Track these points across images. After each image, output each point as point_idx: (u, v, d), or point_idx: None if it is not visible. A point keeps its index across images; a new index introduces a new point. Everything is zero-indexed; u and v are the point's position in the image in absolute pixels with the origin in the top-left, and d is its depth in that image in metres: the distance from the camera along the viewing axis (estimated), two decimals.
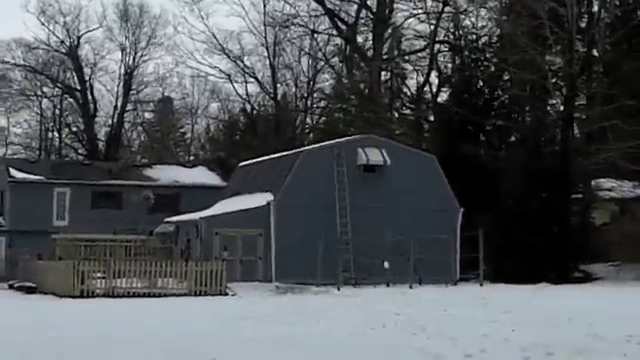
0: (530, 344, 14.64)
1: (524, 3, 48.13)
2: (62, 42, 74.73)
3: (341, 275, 35.62)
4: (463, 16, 57.08)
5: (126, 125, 78.58)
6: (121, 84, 76.07)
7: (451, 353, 13.78)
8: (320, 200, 38.18)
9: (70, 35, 74.71)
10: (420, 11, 60.40)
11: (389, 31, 60.61)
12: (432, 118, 55.31)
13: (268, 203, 38.71)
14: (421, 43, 60.24)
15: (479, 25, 56.39)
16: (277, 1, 64.17)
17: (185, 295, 30.71)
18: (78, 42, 75.02)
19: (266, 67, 68.16)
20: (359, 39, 62.44)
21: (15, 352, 14.69)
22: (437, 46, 58.52)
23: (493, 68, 51.54)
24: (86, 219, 49.20)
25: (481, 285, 36.39)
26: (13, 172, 52.67)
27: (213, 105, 77.44)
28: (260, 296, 31.04)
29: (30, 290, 35.97)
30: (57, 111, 79.56)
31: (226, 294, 31.43)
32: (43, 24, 74.26)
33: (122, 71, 76.17)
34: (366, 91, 57.37)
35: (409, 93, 61.55)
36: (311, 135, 62.72)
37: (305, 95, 69.97)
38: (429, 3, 59.54)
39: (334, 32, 63.12)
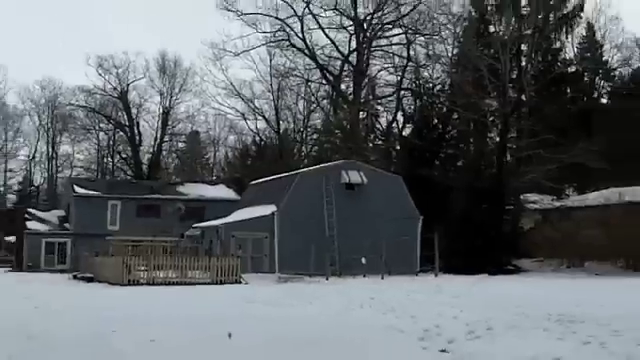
0: (473, 321, 14.66)
1: (468, 59, 48.45)
2: (115, 88, 74.99)
3: (329, 268, 35.62)
4: (422, 69, 57.45)
5: (163, 152, 78.71)
6: (160, 121, 76.54)
7: (413, 328, 13.75)
8: (312, 211, 38.24)
9: (121, 83, 75.00)
10: (389, 65, 60.97)
11: (366, 81, 60.80)
12: (398, 147, 55.37)
13: (272, 213, 38.79)
14: (390, 90, 60.54)
15: (434, 76, 56.74)
16: (280, 57, 64.54)
17: (208, 283, 30.60)
18: (127, 88, 75.29)
19: (271, 108, 68.42)
20: (343, 87, 62.66)
21: (77, 327, 14.73)
22: (402, 92, 58.79)
23: (445, 109, 51.68)
24: (132, 225, 49.29)
25: (436, 276, 36.34)
26: (77, 189, 52.82)
27: (231, 137, 77.59)
28: (266, 284, 30.97)
29: (89, 279, 35.87)
30: (111, 142, 79.82)
31: (240, 282, 31.36)
32: (100, 74, 74.66)
33: (160, 111, 76.72)
34: (348, 127, 57.40)
35: (381, 128, 61.65)
36: (305, 161, 62.67)
37: (301, 130, 70.17)
38: (396, 59, 60.02)
39: (323, 81, 63.31)
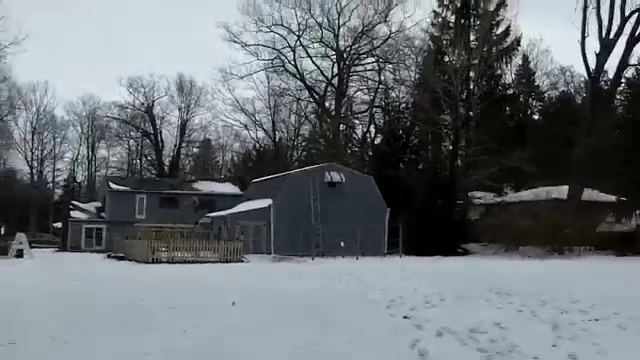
0: (430, 293, 14.71)
1: (427, 83, 48.56)
2: (142, 104, 74.74)
3: (314, 250, 35.58)
4: (390, 91, 57.57)
5: (181, 156, 78.34)
6: (178, 130, 76.07)
7: (382, 299, 13.76)
8: (301, 204, 38.14)
9: (147, 100, 74.75)
10: (364, 87, 61.18)
11: (345, 99, 60.75)
12: (371, 153, 55.40)
13: (269, 206, 38.67)
14: (364, 107, 60.52)
15: (400, 96, 56.94)
16: (276, 80, 64.46)
17: (217, 262, 30.51)
18: (152, 104, 74.93)
19: (269, 121, 68.42)
20: (326, 104, 62.54)
21: (112, 296, 14.72)
22: (374, 109, 58.82)
23: (408, 123, 51.71)
24: (156, 214, 49.19)
25: (400, 257, 36.32)
26: (111, 185, 52.67)
27: (236, 144, 77.24)
28: (263, 263, 30.95)
29: (120, 258, 35.78)
30: (139, 147, 79.66)
31: (242, 261, 31.31)
32: (130, 92, 74.55)
33: (179, 122, 76.35)
34: (330, 136, 57.35)
35: (357, 138, 61.70)
36: (296, 163, 62.58)
37: (293, 138, 70.21)
38: (370, 82, 60.09)
39: (311, 100, 63.18)
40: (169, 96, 75.77)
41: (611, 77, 45.70)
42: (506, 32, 51.78)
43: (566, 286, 16.47)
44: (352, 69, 60.85)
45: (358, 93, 61.78)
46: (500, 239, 40.37)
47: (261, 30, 59.52)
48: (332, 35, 59.66)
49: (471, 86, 49.92)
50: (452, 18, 52.06)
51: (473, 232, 43.30)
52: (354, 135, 62.17)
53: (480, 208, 48.29)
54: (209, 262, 30.22)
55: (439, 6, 52.40)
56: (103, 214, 52.05)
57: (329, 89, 61.61)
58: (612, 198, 41.98)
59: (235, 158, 79.75)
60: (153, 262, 30.07)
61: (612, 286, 17.19)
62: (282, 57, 60.99)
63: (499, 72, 53.96)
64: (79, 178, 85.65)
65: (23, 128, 76.79)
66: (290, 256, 33.85)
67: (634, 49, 43.73)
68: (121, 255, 36.44)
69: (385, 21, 57.84)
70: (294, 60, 60.63)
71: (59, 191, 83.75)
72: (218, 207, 46.08)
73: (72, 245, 49.22)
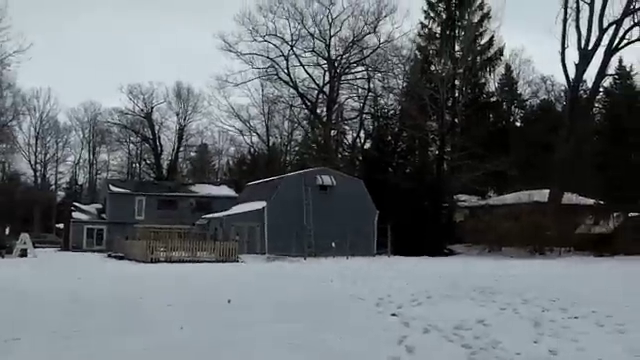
0: (417, 291, 14.68)
1: (415, 91, 48.66)
2: (142, 110, 74.14)
3: (306, 250, 35.59)
4: (379, 98, 57.50)
5: (179, 160, 77.89)
6: (176, 135, 75.58)
7: (370, 297, 13.78)
8: (294, 206, 37.99)
9: (146, 106, 74.15)
10: (354, 95, 60.95)
11: (336, 106, 60.65)
12: (361, 158, 55.39)
13: (263, 207, 38.51)
14: (354, 114, 60.35)
15: (389, 103, 56.74)
16: (270, 88, 64.24)
17: (213, 261, 30.41)
18: (151, 110, 74.40)
19: (263, 126, 68.12)
20: (318, 111, 62.42)
21: (112, 293, 14.67)
22: (364, 116, 58.69)
23: (396, 129, 51.71)
24: (154, 216, 48.99)
25: (389, 257, 36.30)
26: (112, 187, 52.41)
27: (231, 149, 77.00)
28: (258, 262, 30.90)
29: (120, 258, 35.65)
30: (138, 151, 79.11)
31: (237, 261, 31.26)
32: (130, 99, 73.81)
33: (177, 128, 75.77)
34: (322, 142, 57.32)
35: (347, 143, 61.59)
36: (289, 167, 62.50)
37: (286, 143, 70.01)
38: (359, 90, 60.07)
39: (304, 106, 63.08)
40: (167, 102, 75.46)
41: (590, 86, 46.06)
42: (490, 43, 52.03)
43: (547, 285, 16.53)
44: (343, 77, 60.81)
45: (348, 100, 61.78)
46: (484, 240, 40.43)
47: (256, 40, 59.41)
48: (324, 45, 59.69)
49: (456, 94, 50.09)
50: (438, 29, 52.30)
51: (458, 233, 43.41)
52: (345, 140, 62.17)
53: (465, 210, 48.38)
54: (205, 262, 30.07)
55: (426, 18, 52.64)
56: (104, 215, 51.83)
57: (321, 96, 61.56)
58: (590, 201, 42.14)
59: (230, 162, 79.59)
60: (152, 262, 29.91)
61: (591, 285, 17.27)
62: (276, 66, 60.91)
63: (483, 81, 54.21)
64: (81, 181, 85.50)
65: (27, 133, 76.73)
66: (283, 256, 33.70)
67: (611, 60, 44.16)
68: (121, 255, 36.29)
69: (374, 32, 57.89)
70: (287, 69, 60.58)
71: (61, 193, 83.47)
72: (214, 209, 45.93)
73: (74, 245, 48.99)
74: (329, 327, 9.69)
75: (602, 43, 42.15)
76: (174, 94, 75.48)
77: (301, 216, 37.90)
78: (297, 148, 69.36)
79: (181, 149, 76.62)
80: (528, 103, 63.20)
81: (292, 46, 59.87)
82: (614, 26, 41.69)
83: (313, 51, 60.13)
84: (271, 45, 59.91)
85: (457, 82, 49.76)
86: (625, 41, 41.99)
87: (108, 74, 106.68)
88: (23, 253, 35.08)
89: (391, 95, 56.73)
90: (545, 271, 23.96)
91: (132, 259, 32.75)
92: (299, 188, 38.80)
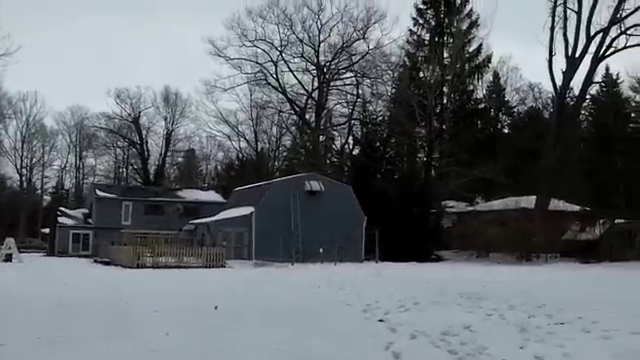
0: (404, 297, 14.66)
1: (403, 97, 48.83)
2: (129, 114, 73.88)
3: (294, 256, 35.49)
4: (368, 104, 57.67)
5: (167, 165, 77.70)
6: (164, 140, 75.38)
7: (358, 302, 13.78)
8: (282, 212, 37.85)
9: (134, 110, 73.92)
10: (343, 101, 61.12)
11: (324, 112, 60.73)
12: (349, 164, 55.52)
13: (251, 213, 38.36)
14: (343, 119, 60.53)
15: (377, 110, 56.92)
16: (258, 93, 64.20)
17: (200, 267, 30.31)
18: (139, 115, 74.14)
19: (251, 132, 68.13)
20: (307, 116, 62.49)
21: (98, 299, 14.59)
22: (352, 121, 58.88)
23: (385, 135, 51.83)
24: (141, 221, 48.70)
25: (376, 263, 36.24)
26: (98, 192, 52.09)
27: (219, 154, 76.93)
28: (245, 268, 30.82)
29: (106, 263, 35.38)
30: (125, 156, 78.77)
31: (225, 266, 31.13)
32: (118, 103, 73.58)
33: (165, 132, 75.57)
34: (310, 147, 57.40)
35: (336, 149, 61.70)
36: (277, 173, 62.46)
37: (274, 149, 69.95)
38: (348, 96, 60.21)
39: (292, 112, 63.12)
40: (155, 107, 75.20)
41: (577, 93, 46.35)
42: (478, 50, 52.30)
43: (533, 291, 16.60)
44: (332, 83, 60.95)
45: (337, 106, 61.93)
46: (471, 246, 40.54)
47: (245, 45, 59.46)
48: (313, 51, 59.86)
49: (444, 101, 50.29)
50: (427, 36, 52.47)
51: (446, 239, 43.48)
52: (333, 146, 62.24)
53: (452, 216, 48.49)
54: (192, 267, 29.96)
55: (415, 25, 52.82)
56: (90, 220, 51.48)
57: (309, 102, 61.65)
58: (577, 208, 42.43)
59: (218, 167, 79.44)
60: (138, 267, 29.74)
61: (576, 291, 17.36)
62: (264, 71, 60.96)
63: (471, 88, 54.42)
64: (67, 185, 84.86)
65: (13, 137, 76.03)
66: (271, 262, 33.62)
67: (598, 67, 44.53)
68: (107, 260, 36.03)
69: (363, 38, 58.13)
70: (276, 74, 60.65)
71: (48, 198, 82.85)
72: (202, 214, 45.76)
73: (60, 250, 48.62)
74: (316, 333, 9.68)
75: (589, 51, 42.60)
76: (162, 99, 75.41)
77: (289, 222, 37.81)
78: (285, 154, 69.39)
79: (168, 154, 76.46)
80: (516, 110, 63.61)
81: (281, 51, 60.03)
82: (601, 34, 42.10)
83: (302, 57, 60.34)
84: (260, 50, 60.07)
85: (445, 89, 49.98)
86: (612, 49, 42.45)
87: (96, 78, 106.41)
88: (8, 258, 34.81)
89: (380, 101, 56.97)
90: (532, 277, 24.03)
91: (118, 264, 32.49)
92: (287, 194, 38.71)
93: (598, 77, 46.41)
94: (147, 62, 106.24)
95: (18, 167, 76.50)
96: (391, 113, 52.12)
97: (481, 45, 52.09)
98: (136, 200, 51.81)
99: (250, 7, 60.78)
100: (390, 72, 55.76)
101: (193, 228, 42.58)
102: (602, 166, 43.07)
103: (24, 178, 77.87)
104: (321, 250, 35.19)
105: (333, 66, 59.92)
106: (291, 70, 60.71)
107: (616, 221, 39.58)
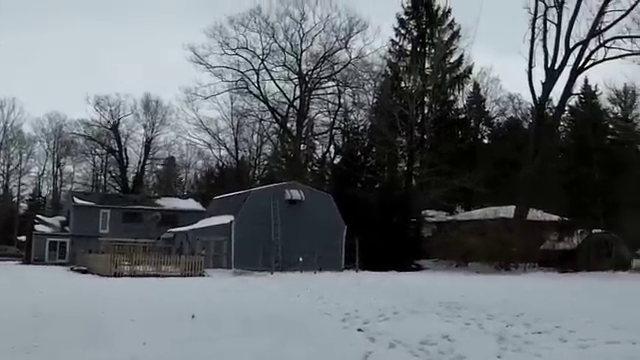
0: (383, 306, 14.71)
1: (385, 107, 49.04)
2: (108, 122, 73.45)
3: (273, 265, 35.30)
4: (349, 113, 57.83)
5: (145, 172, 77.25)
6: (143, 148, 75.06)
7: (337, 312, 13.76)
8: (262, 220, 37.62)
9: (113, 117, 73.47)
10: (324, 110, 61.28)
11: (306, 121, 60.80)
12: (330, 172, 55.56)
13: (230, 222, 38.21)
14: (324, 128, 60.73)
15: (359, 119, 57.04)
16: (239, 101, 64.18)
17: (179, 276, 29.98)
18: (118, 122, 73.73)
19: (232, 140, 67.91)
20: (288, 125, 62.47)
21: (74, 308, 14.44)
22: (334, 130, 59.04)
23: (366, 144, 51.91)
24: (119, 229, 48.28)
25: (356, 272, 36.09)
26: (76, 200, 51.73)
27: (199, 162, 76.66)
28: (224, 277, 30.65)
29: (83, 271, 34.98)
30: (104, 163, 78.07)
31: (203, 275, 30.91)
32: (97, 110, 73.09)
33: (144, 140, 75.30)
34: (291, 156, 57.40)
35: (317, 158, 61.88)
36: (257, 181, 62.35)
37: (255, 157, 69.91)
38: (330, 105, 60.38)
39: (273, 120, 63.07)
40: (135, 114, 74.80)
41: (556, 105, 46.88)
42: (459, 61, 52.69)
43: (512, 300, 16.67)
44: (313, 92, 61.05)
45: (319, 115, 62.04)
46: (451, 255, 40.66)
47: (226, 53, 59.35)
48: (295, 59, 59.91)
49: (425, 111, 50.55)
50: (409, 47, 52.77)
51: (426, 248, 43.58)
52: (314, 155, 62.33)
53: (432, 226, 48.70)
54: (171, 276, 29.63)
55: (397, 35, 53.08)
56: (67, 228, 51.00)
57: (291, 111, 61.66)
58: (555, 218, 42.80)
59: (198, 175, 79.02)
60: (115, 276, 29.39)
61: (554, 301, 17.50)
62: (246, 79, 60.90)
63: (452, 98, 54.73)
64: (44, 193, 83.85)
65: None
66: (250, 271, 33.43)
67: (577, 79, 45.09)
68: (84, 269, 35.62)
69: (345, 47, 58.33)
70: (257, 82, 60.61)
71: (24, 205, 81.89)
72: (181, 223, 45.52)
73: (36, 258, 48.12)
74: (295, 342, 9.67)
75: (568, 63, 43.15)
76: (142, 106, 74.99)
77: (269, 230, 37.65)
78: (266, 162, 69.31)
79: (148, 162, 76.04)
80: (496, 121, 64.15)
81: (263, 60, 59.99)
82: (580, 46, 42.69)
83: (284, 65, 60.34)
84: (241, 58, 59.97)
85: (426, 99, 50.25)
86: (591, 61, 43.07)
87: (75, 85, 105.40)
88: None
89: (361, 111, 57.19)
90: (510, 286, 24.15)
91: (95, 273, 32.11)
92: (267, 202, 38.59)
93: (577, 89, 46.95)
94: (127, 69, 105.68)
95: None
96: (372, 122, 52.29)
97: (462, 56, 52.53)
98: (114, 208, 51.47)
99: (232, 15, 60.09)
100: (372, 82, 56.10)
101: (172, 236, 42.31)
102: (580, 177, 43.46)
103: (0, 185, 77.04)
104: (301, 259, 35.02)
105: (315, 75, 60.06)
106: (273, 79, 60.75)
107: (593, 231, 40.00)
